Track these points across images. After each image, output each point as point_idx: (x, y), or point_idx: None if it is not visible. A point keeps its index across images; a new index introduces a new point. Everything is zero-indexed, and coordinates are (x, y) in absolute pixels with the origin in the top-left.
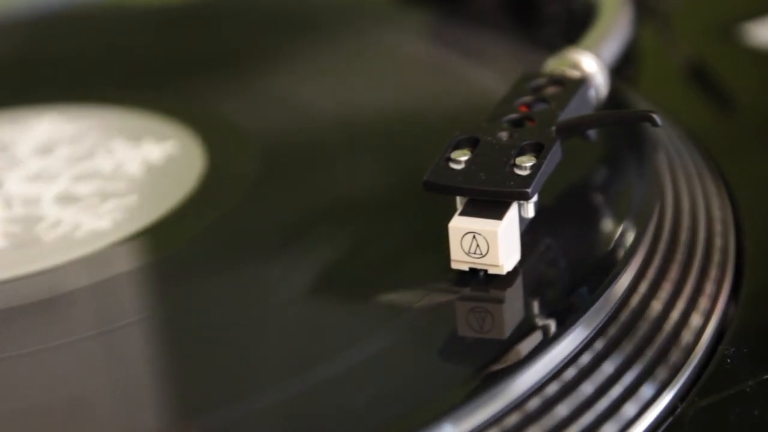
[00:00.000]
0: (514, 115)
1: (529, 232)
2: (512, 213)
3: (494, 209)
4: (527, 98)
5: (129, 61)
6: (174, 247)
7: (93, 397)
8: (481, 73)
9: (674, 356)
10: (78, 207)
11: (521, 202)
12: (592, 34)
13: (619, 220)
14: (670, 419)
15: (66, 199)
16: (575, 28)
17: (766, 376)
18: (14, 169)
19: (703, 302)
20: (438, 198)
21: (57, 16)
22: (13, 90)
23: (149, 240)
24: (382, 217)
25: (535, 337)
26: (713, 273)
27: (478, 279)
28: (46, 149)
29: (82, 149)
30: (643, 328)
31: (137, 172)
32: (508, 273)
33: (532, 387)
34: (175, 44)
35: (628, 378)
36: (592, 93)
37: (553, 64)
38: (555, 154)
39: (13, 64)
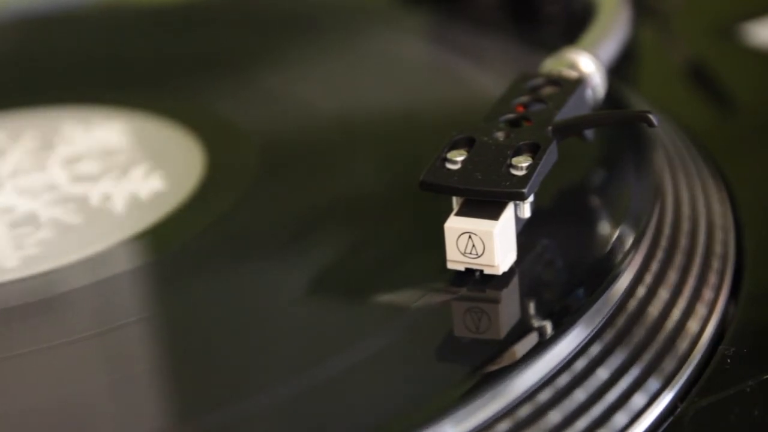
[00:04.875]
0: (510, 115)
1: (526, 232)
2: (508, 213)
3: (490, 209)
4: (524, 98)
5: (129, 61)
6: (172, 247)
7: (92, 397)
8: (480, 73)
9: (674, 356)
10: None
11: (517, 202)
12: (590, 34)
13: (618, 220)
14: (670, 419)
15: (65, 200)
16: (574, 28)
17: (766, 376)
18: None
19: (703, 302)
20: (435, 198)
21: (56, 16)
22: (12, 90)
23: (148, 240)
24: (379, 217)
25: (534, 337)
26: (713, 273)
27: (474, 279)
28: (43, 148)
29: (79, 149)
30: (643, 327)
31: (136, 172)
32: (504, 273)
33: (530, 387)
34: (175, 44)
35: (627, 378)
36: (589, 93)
37: (551, 64)
38: (551, 155)
39: (12, 64)
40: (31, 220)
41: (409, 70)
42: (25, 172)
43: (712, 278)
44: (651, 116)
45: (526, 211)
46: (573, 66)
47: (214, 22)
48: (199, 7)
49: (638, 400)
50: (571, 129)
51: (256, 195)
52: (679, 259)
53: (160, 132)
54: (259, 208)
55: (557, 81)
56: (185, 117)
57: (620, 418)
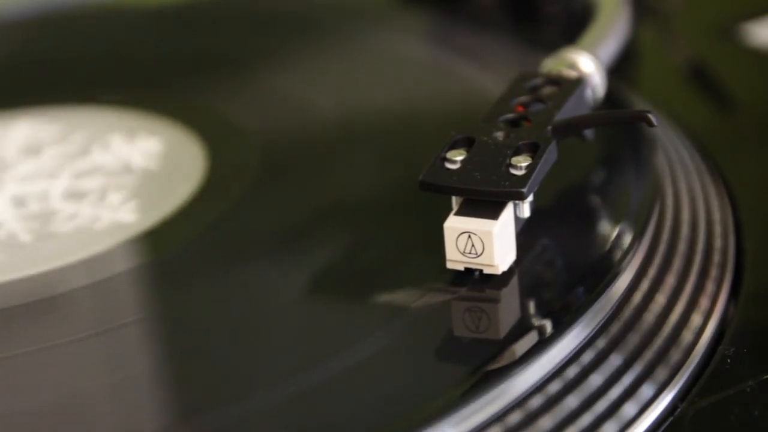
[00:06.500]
0: (510, 115)
1: (526, 232)
2: (508, 213)
3: (490, 209)
4: (524, 98)
5: (129, 62)
6: (173, 247)
7: (92, 397)
8: (480, 73)
9: (674, 356)
10: (86, 201)
11: (517, 202)
12: (590, 34)
13: (617, 220)
14: (670, 419)
15: (74, 195)
16: (574, 28)
17: (766, 376)
18: (7, 171)
19: (703, 302)
20: (434, 198)
21: (57, 16)
22: (11, 90)
23: (148, 240)
24: (379, 217)
25: (532, 337)
26: (713, 273)
27: (473, 279)
28: (36, 150)
29: (77, 149)
30: (643, 327)
31: (137, 174)
32: (504, 273)
33: (530, 387)
34: (175, 44)
35: (628, 378)
36: (588, 93)
37: (551, 64)
38: (550, 154)
39: (11, 64)
40: (44, 214)
41: (409, 70)
42: (19, 173)
43: (712, 278)
44: (650, 116)
45: (525, 210)
46: (573, 66)
47: (214, 22)
48: (199, 7)
49: (638, 399)
50: (570, 129)
51: (256, 195)
52: (678, 259)
53: (161, 132)
54: (259, 208)
55: (557, 81)
56: (186, 117)
57: (621, 418)
